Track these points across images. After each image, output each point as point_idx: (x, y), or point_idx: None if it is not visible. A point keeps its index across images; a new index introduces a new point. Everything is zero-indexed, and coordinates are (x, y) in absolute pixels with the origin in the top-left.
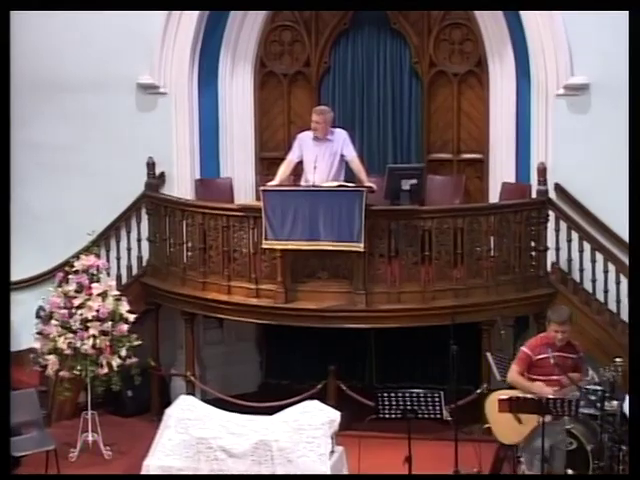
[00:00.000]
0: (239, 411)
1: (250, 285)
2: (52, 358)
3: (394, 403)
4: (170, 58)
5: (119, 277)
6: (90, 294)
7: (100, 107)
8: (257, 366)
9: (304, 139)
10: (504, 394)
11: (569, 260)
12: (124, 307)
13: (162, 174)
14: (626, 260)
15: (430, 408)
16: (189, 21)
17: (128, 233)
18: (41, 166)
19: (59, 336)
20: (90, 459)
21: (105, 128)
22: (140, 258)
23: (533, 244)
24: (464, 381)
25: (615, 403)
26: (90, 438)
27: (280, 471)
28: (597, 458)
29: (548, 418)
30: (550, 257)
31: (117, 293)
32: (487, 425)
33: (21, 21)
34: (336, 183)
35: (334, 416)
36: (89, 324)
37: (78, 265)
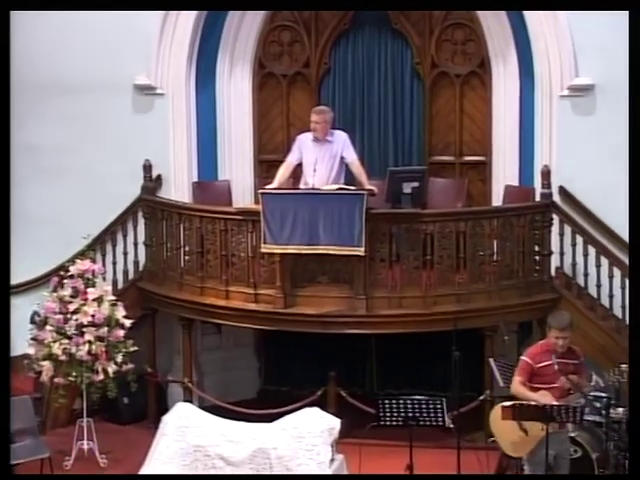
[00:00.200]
0: (237, 418)
1: (249, 290)
2: (47, 364)
3: (395, 410)
4: (167, 58)
5: (115, 282)
6: (86, 299)
7: (96, 108)
8: (256, 372)
9: (303, 141)
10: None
11: (573, 264)
12: (120, 312)
13: (159, 177)
14: None
15: (432, 415)
16: (186, 21)
17: (124, 237)
18: (36, 168)
19: (54, 342)
20: (85, 467)
21: (101, 130)
22: (136, 262)
23: (537, 248)
24: (467, 388)
25: (621, 410)
26: (85, 446)
27: None
28: (602, 467)
29: (554, 427)
30: (554, 261)
31: (113, 298)
32: (492, 438)
33: (16, 22)
34: (336, 186)
35: (334, 423)
36: (84, 330)
37: (73, 269)
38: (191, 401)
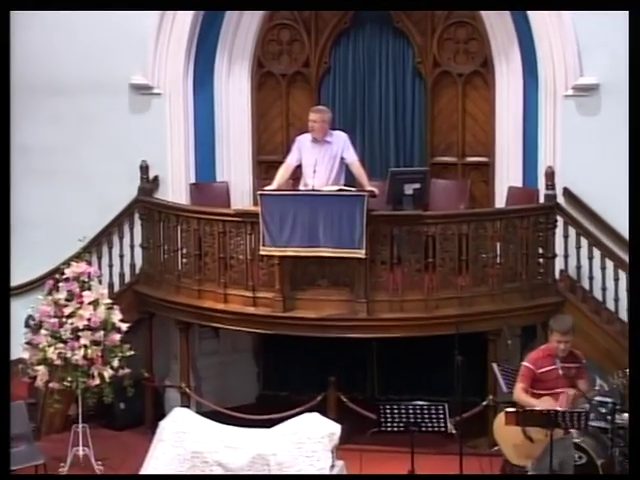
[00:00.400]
0: (236, 424)
1: (247, 293)
2: (42, 369)
3: (396, 416)
4: (164, 57)
5: (111, 285)
6: (81, 302)
7: (92, 108)
8: (254, 377)
9: (303, 142)
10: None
11: (578, 267)
12: (116, 316)
13: (156, 178)
14: None
15: (434, 421)
16: (184, 19)
17: (121, 239)
18: (31, 169)
19: (49, 346)
20: (81, 474)
21: (97, 130)
22: (133, 265)
23: (541, 251)
24: (469, 393)
25: (626, 416)
26: (81, 452)
27: None
28: (608, 473)
29: (558, 433)
30: (558, 264)
31: (109, 301)
32: (497, 447)
33: (11, 22)
34: (336, 187)
35: (334, 429)
36: (80, 334)
37: (69, 272)
38: (189, 406)
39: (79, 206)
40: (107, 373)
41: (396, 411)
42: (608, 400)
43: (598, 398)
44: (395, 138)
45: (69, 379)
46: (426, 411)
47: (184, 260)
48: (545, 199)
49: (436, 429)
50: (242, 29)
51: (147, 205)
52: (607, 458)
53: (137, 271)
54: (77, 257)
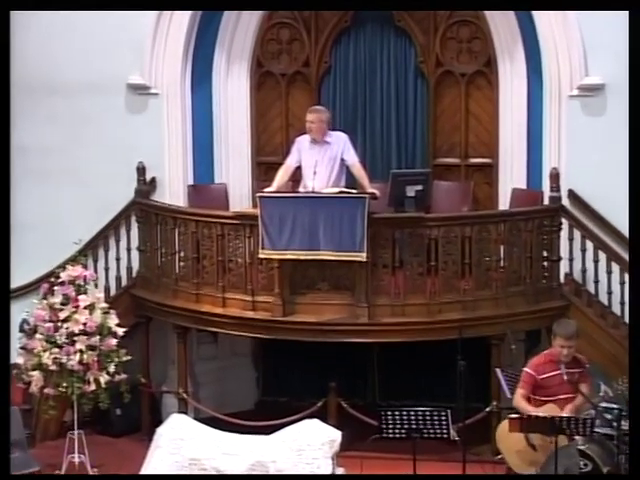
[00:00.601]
0: (234, 430)
1: (246, 297)
2: (36, 374)
3: (398, 422)
4: (162, 57)
5: (107, 289)
6: (77, 307)
7: (88, 108)
8: (253, 383)
9: (302, 143)
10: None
11: (583, 271)
12: (113, 320)
13: (153, 180)
14: None
15: (436, 427)
16: (182, 18)
17: (117, 242)
18: (26, 170)
19: (44, 351)
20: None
21: (93, 131)
22: (130, 269)
23: (545, 254)
24: (472, 399)
25: None
26: (76, 459)
27: None
28: None
29: (562, 440)
30: (563, 267)
31: (105, 306)
32: (500, 456)
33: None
34: (337, 189)
35: (335, 436)
36: (76, 338)
37: (64, 276)
38: (186, 412)
39: (75, 208)
40: (103, 378)
41: (398, 417)
42: (614, 406)
43: (604, 404)
44: (397, 139)
45: (64, 385)
46: (428, 417)
47: (182, 263)
48: (550, 201)
49: (438, 436)
50: (241, 28)
51: (144, 207)
52: (613, 465)
53: (134, 275)
54: (73, 260)
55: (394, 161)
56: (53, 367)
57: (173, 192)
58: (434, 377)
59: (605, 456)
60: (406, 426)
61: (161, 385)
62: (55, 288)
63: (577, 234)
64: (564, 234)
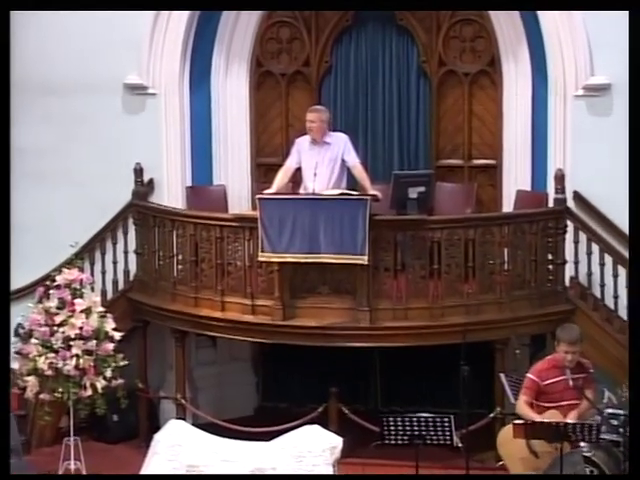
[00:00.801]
0: (233, 437)
1: (245, 301)
2: (32, 379)
3: (400, 428)
4: (159, 56)
5: (104, 292)
6: (73, 310)
7: (84, 109)
8: (253, 388)
9: (302, 144)
10: None
11: (589, 274)
12: (109, 324)
13: (151, 181)
14: None
15: (439, 433)
16: (180, 17)
17: (114, 245)
18: (21, 172)
19: (39, 356)
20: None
21: (89, 131)
22: (127, 272)
23: (550, 257)
24: (476, 404)
25: None
26: (72, 466)
27: None
28: None
29: (566, 447)
30: (568, 271)
31: (102, 309)
32: (501, 462)
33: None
34: (338, 191)
35: (336, 442)
36: (72, 343)
37: (60, 279)
38: (184, 418)
39: (71, 210)
40: (100, 384)
41: (400, 423)
42: (620, 412)
43: (610, 410)
44: (399, 140)
45: (60, 390)
46: (431, 423)
47: (180, 267)
48: (555, 203)
49: (441, 442)
50: (240, 27)
51: (141, 209)
52: (619, 472)
53: (131, 278)
54: (69, 263)
55: (396, 162)
56: (49, 372)
57: (171, 194)
58: (437, 382)
59: (612, 463)
60: (408, 432)
61: (159, 390)
62: (51, 291)
63: (583, 237)
64: (569, 237)
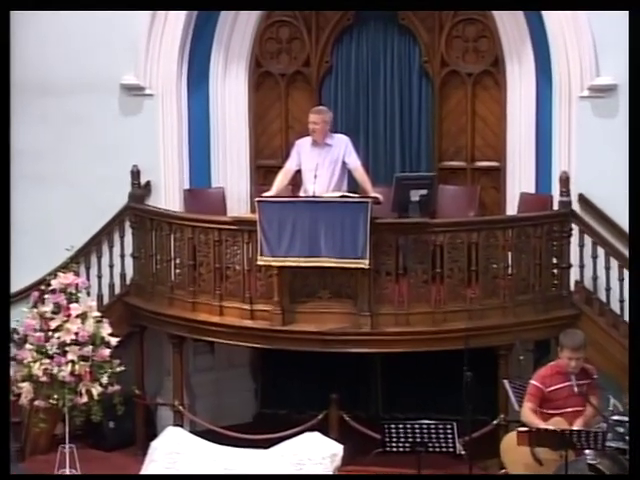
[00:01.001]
0: (232, 444)
1: (244, 305)
2: (26, 386)
3: (402, 435)
4: (157, 56)
5: (100, 297)
6: (68, 315)
7: (80, 110)
8: (252, 394)
9: (302, 146)
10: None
11: (594, 278)
12: (106, 330)
13: (148, 183)
14: None
15: (442, 441)
16: (177, 16)
17: (110, 248)
18: (16, 173)
19: (34, 362)
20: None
21: (85, 133)
22: (123, 276)
23: (555, 261)
24: (479, 411)
25: None
26: (68, 474)
27: None
28: None
29: (570, 455)
30: (573, 275)
31: (98, 314)
32: (504, 470)
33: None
34: (338, 193)
35: (336, 449)
36: (67, 348)
37: (55, 284)
38: (182, 425)
39: (67, 213)
40: (96, 390)
41: (402, 430)
42: (626, 419)
43: (616, 417)
44: (401, 141)
45: (55, 397)
46: (433, 430)
47: (177, 270)
48: (559, 206)
49: (444, 449)
50: (239, 27)
51: (138, 212)
52: None
53: (128, 282)
54: (64, 267)
55: (398, 164)
56: (44, 378)
57: (169, 196)
58: (439, 389)
59: (617, 471)
60: (410, 440)
61: (156, 397)
62: (46, 296)
63: (588, 240)
64: (574, 240)
